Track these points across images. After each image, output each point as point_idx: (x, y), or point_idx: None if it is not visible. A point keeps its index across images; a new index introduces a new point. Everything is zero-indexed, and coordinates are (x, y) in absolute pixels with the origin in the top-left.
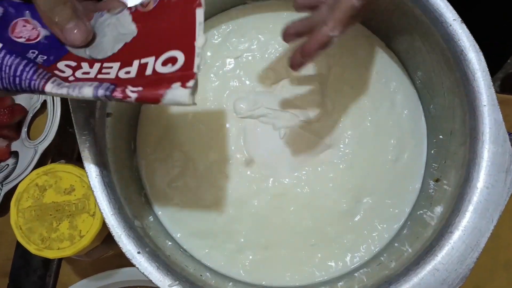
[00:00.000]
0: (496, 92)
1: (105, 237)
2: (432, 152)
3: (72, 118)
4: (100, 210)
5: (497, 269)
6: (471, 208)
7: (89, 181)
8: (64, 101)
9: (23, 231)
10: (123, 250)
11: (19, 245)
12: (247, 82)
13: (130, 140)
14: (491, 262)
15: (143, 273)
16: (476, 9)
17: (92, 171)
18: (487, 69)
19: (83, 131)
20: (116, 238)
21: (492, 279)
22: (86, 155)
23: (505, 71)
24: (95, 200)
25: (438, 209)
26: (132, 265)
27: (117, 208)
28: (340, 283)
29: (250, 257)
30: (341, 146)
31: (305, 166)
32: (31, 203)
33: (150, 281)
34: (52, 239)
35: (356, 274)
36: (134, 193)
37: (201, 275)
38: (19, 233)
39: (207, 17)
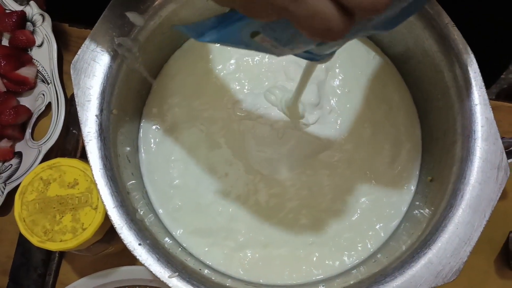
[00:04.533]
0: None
1: (106, 232)
2: (427, 152)
3: (78, 114)
4: (102, 202)
5: (491, 272)
6: (464, 203)
7: (92, 175)
8: (68, 102)
9: (27, 223)
10: (125, 242)
11: (20, 243)
12: (246, 85)
13: (132, 138)
14: (486, 265)
15: (143, 264)
16: (469, 25)
17: (96, 164)
18: (479, 70)
19: (88, 127)
20: (118, 230)
21: (485, 283)
22: (90, 148)
23: (500, 86)
24: (98, 193)
25: (433, 207)
26: (131, 262)
27: (119, 201)
28: (337, 280)
29: (249, 255)
30: (339, 147)
31: (303, 166)
32: (35, 196)
33: (149, 280)
34: (55, 231)
35: (353, 272)
36: (135, 191)
37: (200, 269)
38: (22, 226)
39: None
